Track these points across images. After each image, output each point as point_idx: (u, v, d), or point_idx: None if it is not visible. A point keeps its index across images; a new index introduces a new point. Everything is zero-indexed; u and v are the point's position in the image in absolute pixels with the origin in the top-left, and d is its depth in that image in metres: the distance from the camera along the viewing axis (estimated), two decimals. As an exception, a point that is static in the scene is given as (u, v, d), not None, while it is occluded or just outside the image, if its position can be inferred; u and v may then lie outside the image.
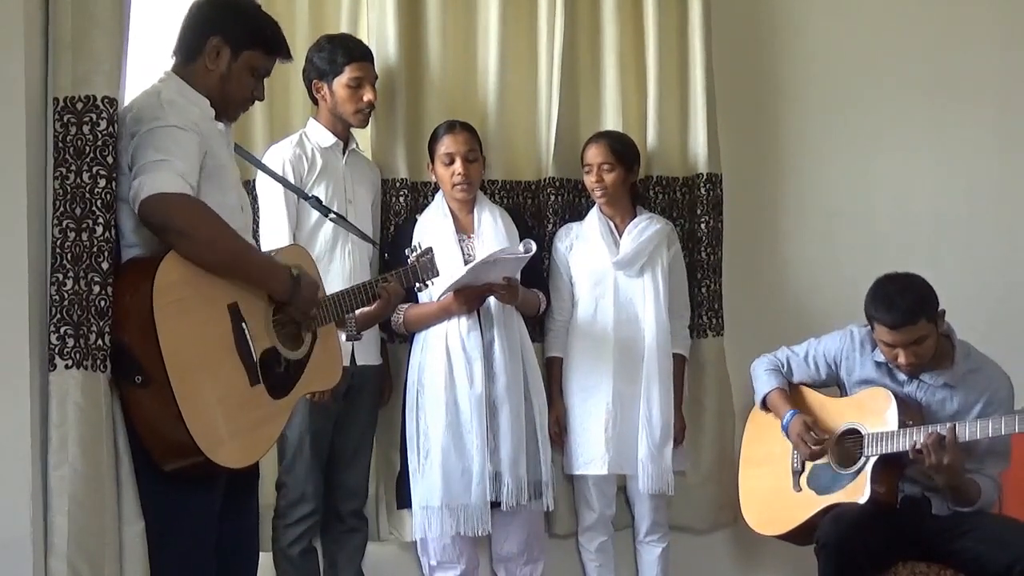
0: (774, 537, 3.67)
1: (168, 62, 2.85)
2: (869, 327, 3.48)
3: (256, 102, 2.96)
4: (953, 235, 4.43)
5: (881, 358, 3.48)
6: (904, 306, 3.32)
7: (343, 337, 3.20)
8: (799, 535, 3.56)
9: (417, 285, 3.51)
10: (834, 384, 3.67)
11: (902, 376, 3.47)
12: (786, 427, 3.57)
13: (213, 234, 2.63)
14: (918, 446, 3.26)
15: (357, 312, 3.22)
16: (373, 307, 3.33)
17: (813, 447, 3.48)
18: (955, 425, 3.26)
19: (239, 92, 2.86)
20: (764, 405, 3.70)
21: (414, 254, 3.42)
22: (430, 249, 3.46)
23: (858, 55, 4.46)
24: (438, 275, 3.48)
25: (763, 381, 3.70)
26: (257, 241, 3.47)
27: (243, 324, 2.70)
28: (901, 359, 3.37)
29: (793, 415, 3.56)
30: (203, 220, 2.61)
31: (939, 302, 3.37)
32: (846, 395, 3.61)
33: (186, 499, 2.69)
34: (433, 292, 3.66)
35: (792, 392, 3.68)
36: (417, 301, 3.77)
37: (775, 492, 3.64)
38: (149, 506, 2.67)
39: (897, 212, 4.43)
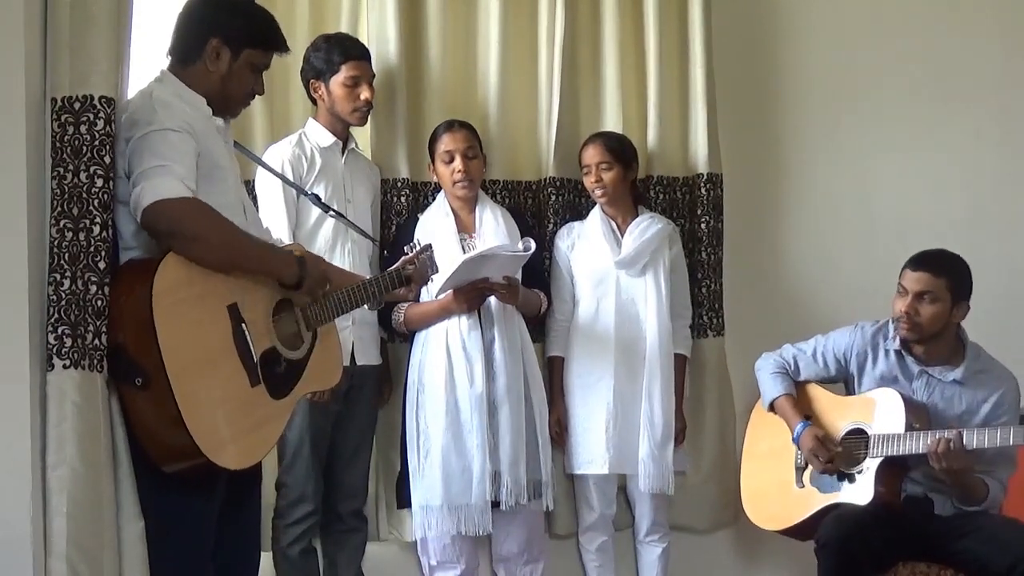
0: (775, 532, 3.66)
1: (165, 61, 2.84)
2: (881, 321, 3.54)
3: (256, 99, 2.96)
4: (953, 235, 4.37)
5: (894, 345, 3.50)
6: (936, 259, 3.47)
7: (366, 305, 3.21)
8: (800, 531, 3.56)
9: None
10: (842, 380, 3.66)
11: (914, 368, 3.48)
12: (797, 439, 3.56)
13: (223, 235, 2.63)
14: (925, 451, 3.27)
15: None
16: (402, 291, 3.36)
17: (827, 464, 3.48)
18: (962, 432, 3.27)
19: (240, 90, 2.85)
20: (771, 408, 3.69)
21: (414, 251, 3.42)
22: (429, 246, 3.46)
23: (858, 55, 4.46)
24: (437, 271, 3.48)
25: (769, 385, 3.68)
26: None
27: (243, 324, 2.69)
28: (900, 306, 3.44)
29: (804, 427, 3.54)
30: (211, 223, 2.61)
31: (970, 294, 3.46)
32: (854, 392, 3.60)
33: (185, 503, 2.68)
34: (431, 288, 3.66)
35: (800, 393, 3.67)
36: (418, 300, 3.77)
37: (777, 487, 3.64)
38: (148, 509, 2.67)
39: (897, 212, 4.43)
